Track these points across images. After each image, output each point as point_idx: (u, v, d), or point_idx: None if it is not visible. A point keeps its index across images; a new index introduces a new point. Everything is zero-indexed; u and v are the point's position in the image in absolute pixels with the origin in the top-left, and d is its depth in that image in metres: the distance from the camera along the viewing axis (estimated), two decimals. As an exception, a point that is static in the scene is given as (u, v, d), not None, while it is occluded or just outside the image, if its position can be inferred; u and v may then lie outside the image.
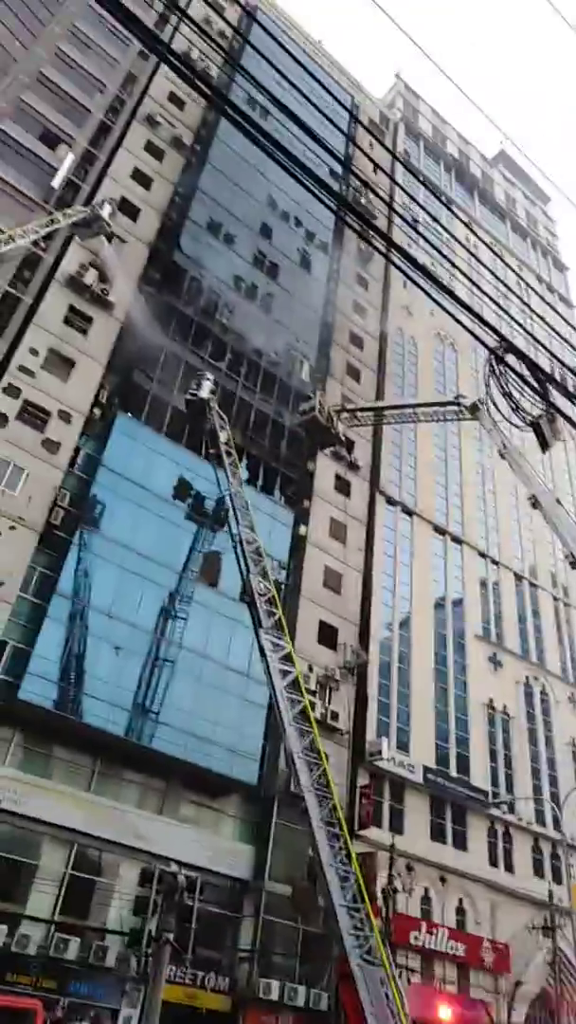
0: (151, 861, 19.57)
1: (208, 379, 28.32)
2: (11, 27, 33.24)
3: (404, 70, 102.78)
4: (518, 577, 42.76)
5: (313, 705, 20.85)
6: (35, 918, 20.99)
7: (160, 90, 37.98)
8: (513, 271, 51.37)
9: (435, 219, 43.79)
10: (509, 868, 32.43)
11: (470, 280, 7.21)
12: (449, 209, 48.26)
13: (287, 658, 20.75)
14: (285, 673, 20.31)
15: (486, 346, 7.55)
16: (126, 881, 22.69)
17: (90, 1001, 20.99)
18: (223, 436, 26.45)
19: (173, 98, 38.45)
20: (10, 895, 21.21)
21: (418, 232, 7.81)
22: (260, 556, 23.19)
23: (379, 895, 24.15)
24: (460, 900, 30.17)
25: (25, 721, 22.73)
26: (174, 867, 16.12)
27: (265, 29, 9.14)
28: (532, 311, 8.31)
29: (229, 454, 25.97)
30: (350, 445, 36.72)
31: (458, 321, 7.24)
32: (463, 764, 33.15)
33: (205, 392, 27.73)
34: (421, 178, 46.23)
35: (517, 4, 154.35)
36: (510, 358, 7.47)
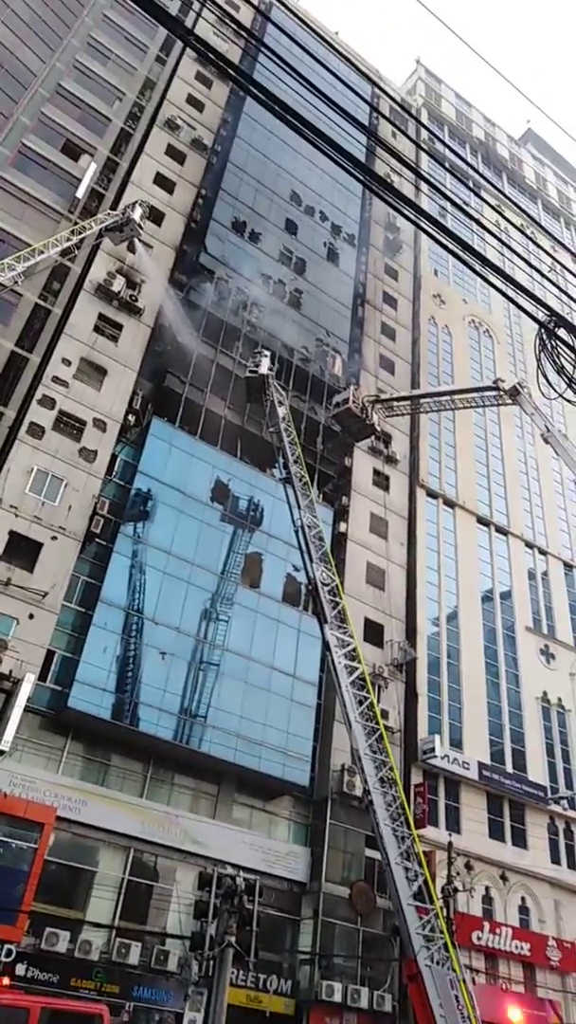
0: (207, 865, 19.50)
1: (266, 355, 28.36)
2: (29, 42, 33.57)
3: (425, 56, 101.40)
4: (567, 566, 41.65)
5: (363, 703, 20.46)
6: (96, 924, 21.11)
7: (179, 93, 37.99)
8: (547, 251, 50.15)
9: (468, 200, 42.92)
10: (572, 865, 31.52)
11: (518, 255, 6.82)
12: (482, 182, 47.30)
13: (352, 653, 20.50)
14: (351, 670, 20.07)
15: (536, 320, 7.16)
16: (183, 886, 22.65)
17: (154, 1005, 21.03)
18: (281, 412, 26.36)
19: (192, 100, 38.42)
20: (71, 901, 21.38)
21: (455, 205, 7.45)
22: (322, 541, 22.97)
23: (439, 895, 23.67)
24: (522, 898, 29.45)
25: (76, 729, 22.88)
26: (231, 871, 15.98)
27: (278, 26, 8.84)
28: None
29: (288, 431, 25.85)
30: (387, 439, 36.22)
31: (503, 294, 6.86)
32: (519, 759, 32.36)
33: (264, 368, 27.81)
34: (447, 164, 45.45)
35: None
36: (563, 333, 7.09)
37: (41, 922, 19.67)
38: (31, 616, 22.62)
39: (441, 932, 16.77)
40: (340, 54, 9.76)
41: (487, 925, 27.32)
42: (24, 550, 23.45)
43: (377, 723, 19.39)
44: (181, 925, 21.77)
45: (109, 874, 22.09)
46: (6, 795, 20.04)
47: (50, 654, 22.98)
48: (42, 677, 22.36)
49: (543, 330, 7.22)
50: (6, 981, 16.48)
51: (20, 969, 18.82)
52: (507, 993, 26.59)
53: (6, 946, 18.32)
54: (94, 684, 22.87)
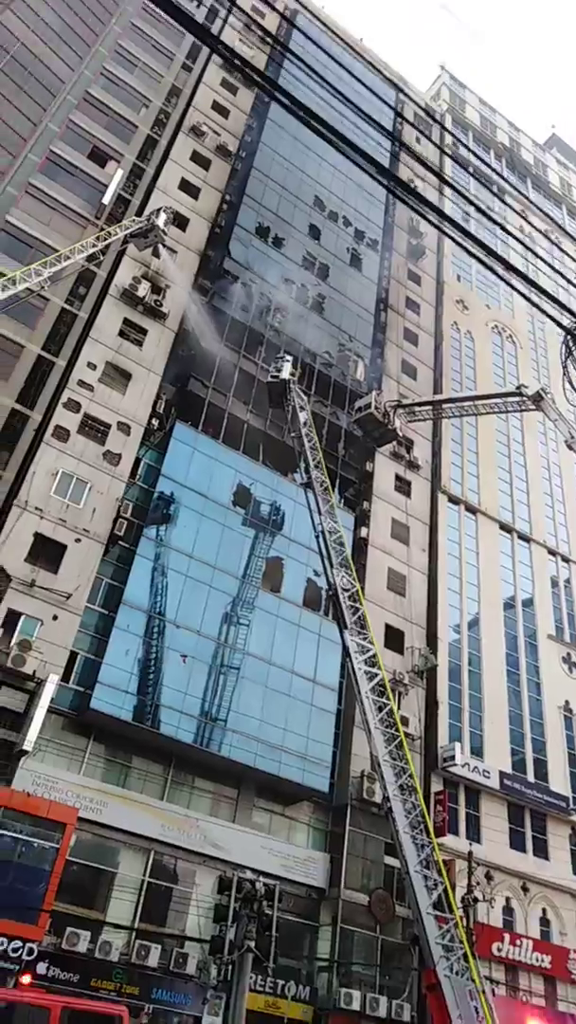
0: (226, 869, 19.50)
1: (288, 360, 28.46)
2: (58, 50, 34.07)
3: (449, 61, 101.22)
4: (591, 574, 41.14)
5: (383, 709, 20.38)
6: (116, 925, 21.21)
7: (204, 100, 38.28)
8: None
9: (492, 205, 42.70)
10: (595, 877, 31.06)
11: (545, 262, 6.80)
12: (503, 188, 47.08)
13: (372, 659, 20.43)
14: (371, 676, 20.01)
15: (561, 326, 7.12)
16: (202, 889, 22.70)
17: (173, 1008, 21.05)
18: (303, 416, 26.35)
19: (217, 107, 38.69)
20: (92, 902, 21.50)
21: (479, 210, 7.44)
22: (342, 546, 22.91)
23: (459, 904, 23.44)
24: (544, 910, 29.06)
25: (98, 730, 23.03)
26: (250, 875, 15.96)
27: (304, 33, 8.90)
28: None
29: (309, 436, 25.84)
30: (409, 444, 36.10)
31: (529, 300, 6.83)
32: (541, 769, 32.00)
33: (286, 373, 27.91)
34: (471, 169, 45.40)
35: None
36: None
37: (62, 922, 19.81)
38: (55, 617, 22.85)
39: (461, 942, 16.60)
40: (365, 60, 9.85)
41: (507, 936, 27.00)
42: (49, 552, 23.70)
43: (397, 730, 19.30)
44: (200, 928, 21.80)
45: (129, 875, 22.18)
46: (29, 795, 20.23)
47: (73, 655, 23.18)
48: (65, 678, 22.56)
49: (568, 337, 7.17)
50: (27, 980, 16.62)
51: (41, 968, 18.96)
52: (527, 1006, 26.25)
53: (28, 945, 18.48)
54: (116, 686, 23.01)
